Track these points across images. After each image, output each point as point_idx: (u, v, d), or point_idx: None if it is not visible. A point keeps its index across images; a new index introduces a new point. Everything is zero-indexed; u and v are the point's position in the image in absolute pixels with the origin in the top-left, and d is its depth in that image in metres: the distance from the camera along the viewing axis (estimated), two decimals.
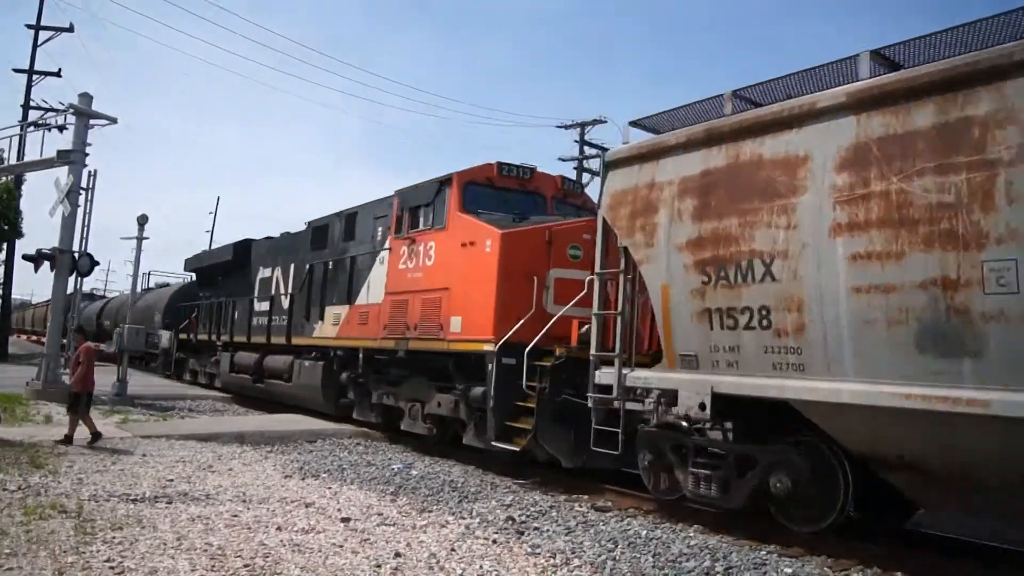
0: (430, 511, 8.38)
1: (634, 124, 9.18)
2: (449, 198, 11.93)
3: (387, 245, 13.84)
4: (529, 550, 6.93)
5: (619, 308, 8.69)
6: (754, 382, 7.22)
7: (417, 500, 8.91)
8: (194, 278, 26.31)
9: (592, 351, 8.99)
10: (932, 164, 6.02)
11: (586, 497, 9.43)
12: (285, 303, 17.91)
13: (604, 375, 8.80)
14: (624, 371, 8.50)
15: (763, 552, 6.95)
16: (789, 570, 6.45)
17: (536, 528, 7.77)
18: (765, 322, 7.09)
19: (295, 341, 16.57)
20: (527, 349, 9.92)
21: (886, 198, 6.28)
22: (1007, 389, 5.51)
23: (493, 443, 10.36)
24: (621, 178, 8.88)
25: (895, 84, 6.49)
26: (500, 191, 12.12)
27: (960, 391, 5.74)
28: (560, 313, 10.16)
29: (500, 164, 12.08)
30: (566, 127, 35.03)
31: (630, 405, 8.55)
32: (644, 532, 7.63)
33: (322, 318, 15.56)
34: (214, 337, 21.36)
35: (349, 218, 15.80)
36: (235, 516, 7.50)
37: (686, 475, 8.12)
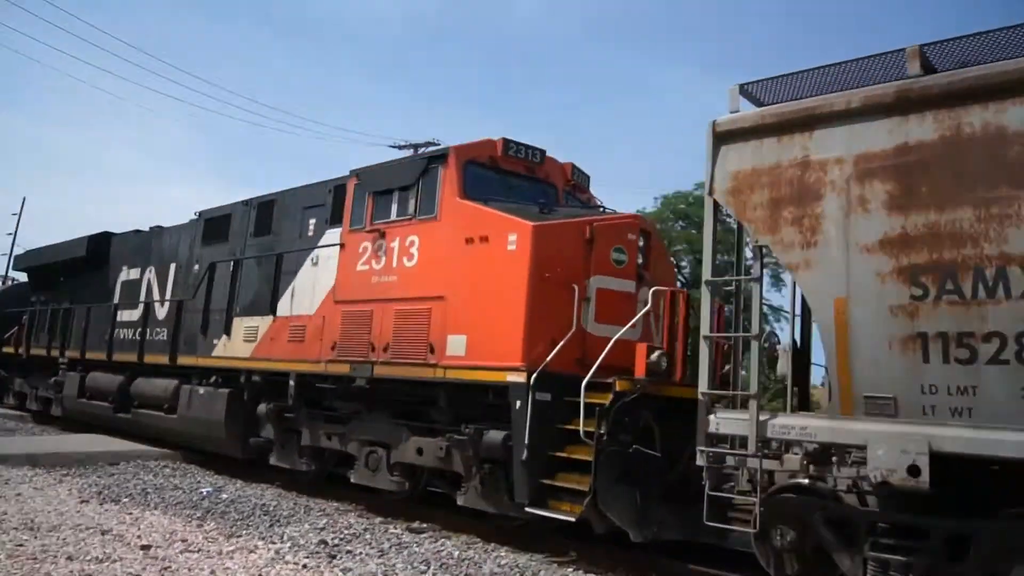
0: (239, 536, 7.99)
1: (745, 93, 6.87)
2: (442, 180, 9.03)
3: (326, 241, 10.67)
4: (340, 574, 6.85)
5: (754, 329, 6.26)
6: (1008, 439, 5.02)
7: (226, 525, 8.50)
8: (27, 279, 21.00)
9: (702, 388, 6.48)
10: None
11: (402, 520, 9.13)
12: (163, 312, 13.98)
13: (726, 422, 6.32)
14: (762, 417, 6.07)
15: (569, 569, 7.37)
16: None
17: (349, 551, 7.63)
18: None
19: (184, 361, 12.73)
20: (585, 381, 7.26)
21: None
22: None
23: (528, 508, 7.54)
24: (748, 153, 6.49)
25: None
26: (505, 175, 9.39)
27: None
28: (618, 335, 7.58)
29: (506, 141, 9.36)
30: (399, 147, 32.76)
31: (766, 464, 6.14)
32: (457, 553, 7.72)
33: (228, 332, 11.91)
34: (56, 352, 16.66)
35: (263, 207, 12.37)
36: (19, 546, 6.85)
37: (855, 561, 5.79)
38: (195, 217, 14.06)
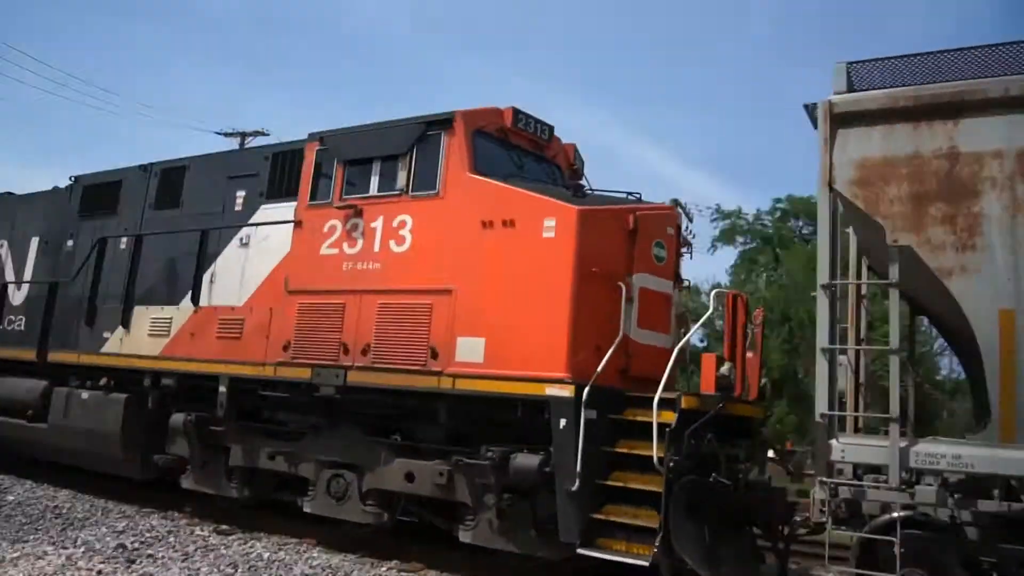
0: (25, 541, 7.52)
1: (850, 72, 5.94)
2: (447, 150, 7.44)
3: (262, 217, 8.76)
4: None
5: (893, 342, 5.30)
6: None
7: (11, 530, 7.98)
8: None
9: (822, 409, 5.45)
10: None
11: (210, 521, 8.68)
12: (20, 296, 11.16)
13: (855, 449, 5.33)
14: (902, 443, 5.12)
15: (383, 569, 7.21)
16: None
17: (150, 555, 7.28)
18: None
19: (59, 358, 10.07)
20: (657, 397, 6.04)
21: None
22: None
23: (581, 550, 6.16)
24: (876, 140, 5.59)
25: None
26: (512, 151, 7.94)
27: None
28: (682, 342, 6.43)
29: (516, 111, 7.91)
30: (226, 135, 30.29)
31: (888, 494, 5.21)
32: (267, 555, 7.47)
33: (125, 324, 9.49)
34: None
35: (169, 175, 10.10)
36: None
37: None
38: (70, 183, 11.35)
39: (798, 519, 6.46)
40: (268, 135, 28.52)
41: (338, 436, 7.86)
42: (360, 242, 7.77)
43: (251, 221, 9.04)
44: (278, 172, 8.98)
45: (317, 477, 7.85)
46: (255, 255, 8.86)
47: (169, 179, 10.12)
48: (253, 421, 8.50)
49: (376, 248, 7.64)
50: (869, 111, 5.65)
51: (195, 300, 8.93)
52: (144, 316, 9.36)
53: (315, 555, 7.56)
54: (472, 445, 7.09)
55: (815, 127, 7.47)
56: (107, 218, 10.46)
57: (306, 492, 8.00)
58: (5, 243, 11.83)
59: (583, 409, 6.21)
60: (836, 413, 5.52)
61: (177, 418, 8.69)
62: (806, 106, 7.27)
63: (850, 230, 6.95)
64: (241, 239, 9.04)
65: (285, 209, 8.67)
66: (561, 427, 6.29)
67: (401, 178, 7.64)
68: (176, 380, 8.85)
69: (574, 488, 6.13)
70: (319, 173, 8.30)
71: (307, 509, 7.88)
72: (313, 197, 8.25)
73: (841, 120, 5.73)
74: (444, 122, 7.54)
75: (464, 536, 6.93)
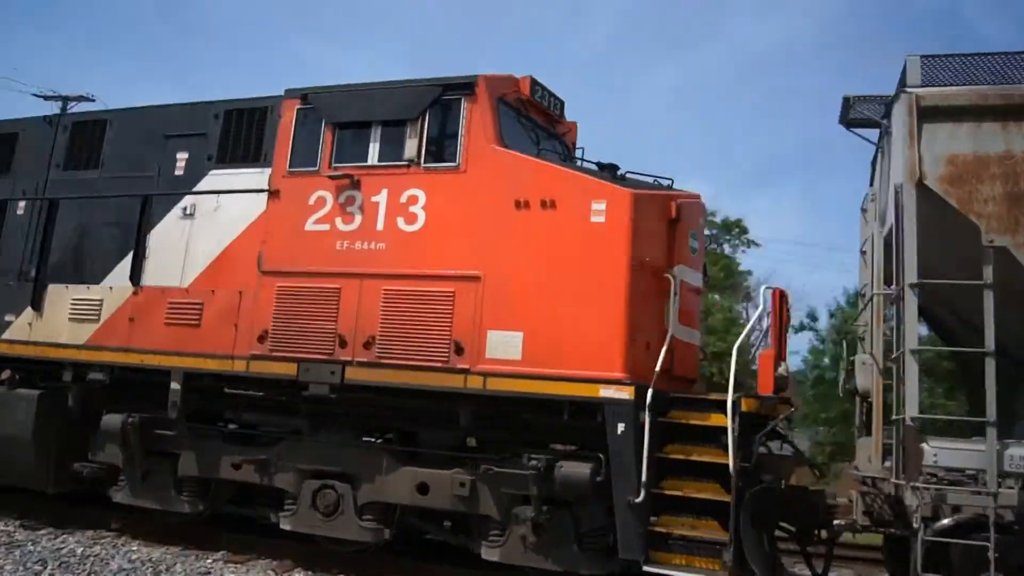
0: None
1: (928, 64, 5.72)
2: (469, 118, 6.54)
3: (213, 184, 7.52)
4: None
5: (988, 345, 5.09)
6: None
7: None
8: None
9: (912, 412, 5.16)
10: None
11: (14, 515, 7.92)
12: None
13: (948, 453, 5.10)
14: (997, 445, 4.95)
15: (209, 560, 6.89)
16: None
17: None
18: None
19: None
20: (730, 399, 5.56)
21: None
22: None
23: (648, 567, 5.56)
24: (964, 137, 5.38)
25: None
26: (528, 123, 7.16)
27: None
28: (740, 340, 5.99)
29: (534, 81, 7.12)
30: (45, 98, 27.28)
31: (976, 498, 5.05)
32: (80, 550, 7.01)
33: (35, 305, 7.78)
34: None
35: (84, 128, 8.47)
36: None
37: None
38: None
39: (842, 522, 6.26)
40: (93, 100, 25.50)
41: (323, 441, 6.80)
42: (358, 218, 6.71)
43: (197, 188, 7.69)
44: (232, 133, 7.68)
45: (299, 489, 6.76)
46: (204, 228, 7.54)
47: (84, 135, 8.45)
48: (208, 424, 7.23)
49: (379, 226, 6.62)
50: (957, 107, 5.44)
51: (135, 279, 7.46)
52: (62, 296, 7.72)
53: (134, 548, 7.11)
54: (491, 451, 6.35)
55: (842, 119, 7.33)
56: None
57: (279, 506, 6.91)
58: None
59: (646, 413, 5.65)
60: (928, 416, 5.31)
61: (112, 420, 7.21)
62: (846, 99, 7.07)
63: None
64: (185, 209, 7.67)
65: (247, 176, 7.43)
66: (619, 432, 5.66)
67: (410, 147, 6.66)
68: (109, 374, 7.36)
69: (638, 499, 5.55)
70: (301, 136, 7.11)
71: (286, 526, 6.75)
72: (295, 163, 7.07)
73: (927, 114, 5.49)
74: (465, 86, 6.62)
75: (490, 554, 6.15)
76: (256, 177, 7.46)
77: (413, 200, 6.59)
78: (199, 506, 7.18)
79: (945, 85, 5.79)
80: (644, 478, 5.55)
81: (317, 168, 6.95)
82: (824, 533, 6.39)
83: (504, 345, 6.08)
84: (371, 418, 6.81)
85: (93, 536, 7.39)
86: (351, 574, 6.70)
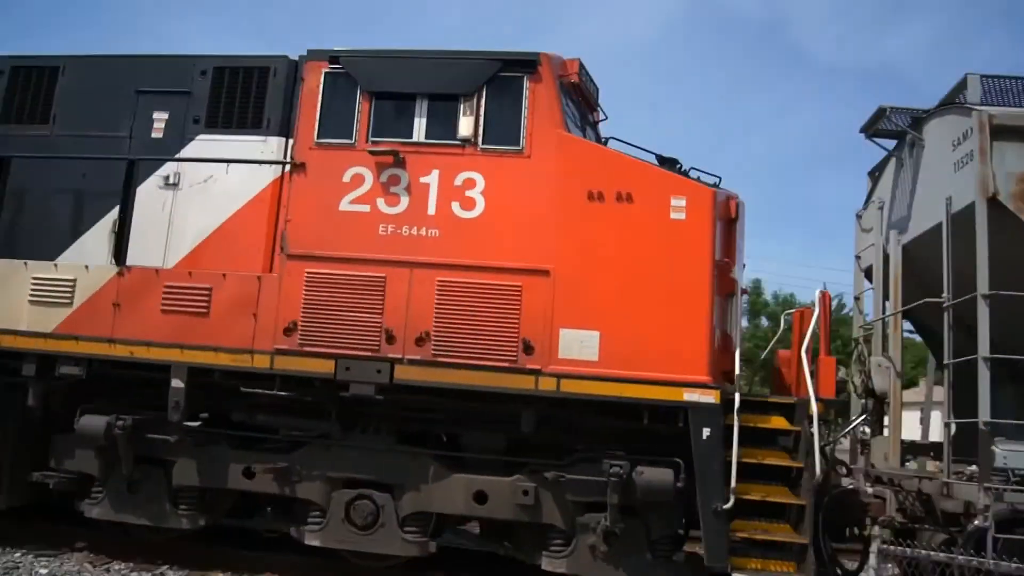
0: None
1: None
2: (532, 99, 6.04)
3: (203, 151, 6.61)
4: None
5: None
6: None
7: None
8: None
9: (984, 417, 5.31)
10: None
11: None
12: None
13: (1016, 456, 5.32)
14: None
15: (17, 554, 6.38)
16: (44, 571, 6.08)
17: None
18: None
19: None
20: (814, 403, 5.51)
21: None
22: None
23: (737, 574, 5.39)
24: None
25: None
26: (574, 107, 6.73)
27: None
28: (806, 344, 5.93)
29: (581, 65, 6.69)
30: None
31: None
32: (43, 572, 6.17)
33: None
34: None
35: (31, 75, 7.20)
36: None
37: None
38: None
39: (882, 519, 6.43)
40: None
41: (357, 446, 6.12)
42: (404, 200, 6.04)
43: (182, 155, 6.69)
44: (225, 94, 6.74)
45: (327, 499, 6.04)
46: (192, 201, 6.58)
47: (28, 82, 7.10)
48: (212, 427, 6.32)
49: (431, 210, 5.99)
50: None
51: (120, 257, 6.34)
52: (18, 275, 6.42)
53: (119, 568, 6.22)
54: (549, 456, 5.98)
55: (867, 128, 7.49)
56: None
57: (297, 518, 6.17)
58: None
59: (735, 417, 5.50)
60: (1000, 421, 5.51)
61: (93, 422, 6.10)
62: (881, 109, 7.19)
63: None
64: (167, 177, 6.66)
65: (244, 144, 6.57)
66: (704, 437, 5.47)
67: (465, 125, 6.06)
68: (86, 368, 6.22)
69: (728, 505, 5.39)
70: (331, 104, 6.30)
71: (313, 542, 6.02)
72: (323, 134, 6.25)
73: (997, 132, 5.66)
74: (527, 64, 6.10)
75: (555, 565, 5.77)
76: (257, 146, 6.60)
77: (470, 184, 6.01)
78: (199, 520, 6.26)
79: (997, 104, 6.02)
80: (733, 483, 5.41)
81: (353, 141, 6.18)
82: (857, 531, 6.57)
83: (579, 345, 5.69)
84: (409, 421, 6.21)
85: (54, 557, 6.35)
86: None
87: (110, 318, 6.23)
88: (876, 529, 5.90)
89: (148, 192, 6.66)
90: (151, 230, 6.53)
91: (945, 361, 5.95)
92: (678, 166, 6.43)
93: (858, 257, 8.21)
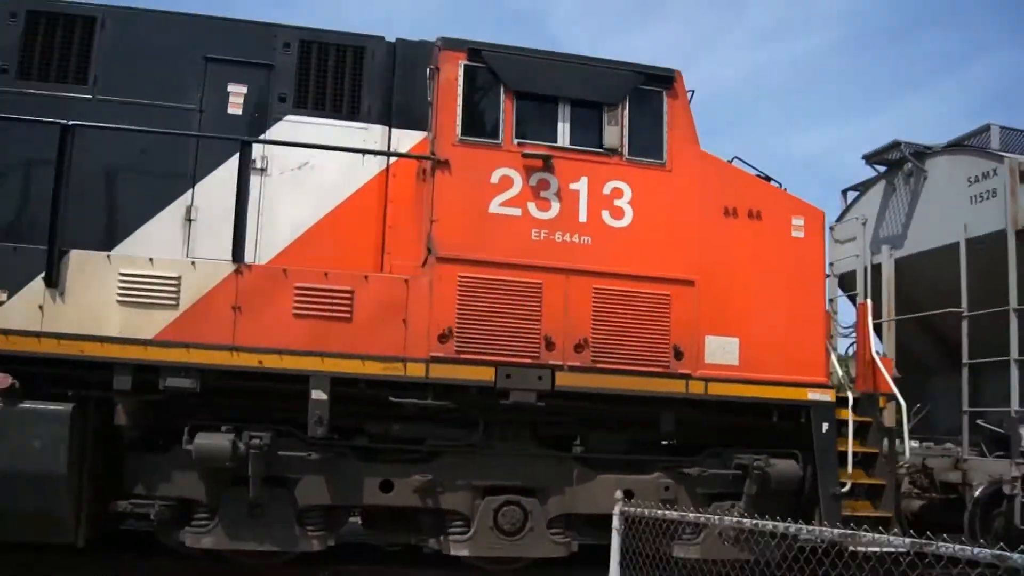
0: None
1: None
2: (671, 115, 6.25)
3: (301, 135, 6.08)
4: None
5: None
6: None
7: None
8: None
9: (1015, 407, 6.67)
10: None
11: None
12: None
13: None
14: None
15: None
16: None
17: None
18: None
19: None
20: (900, 399, 6.49)
21: None
22: None
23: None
24: None
25: None
26: None
27: None
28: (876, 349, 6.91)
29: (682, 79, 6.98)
30: None
31: None
32: None
33: (49, 279, 5.14)
34: None
35: (58, 23, 5.99)
36: None
37: None
38: None
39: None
40: None
41: (499, 453, 6.00)
42: (555, 205, 5.98)
43: (272, 136, 5.98)
44: (315, 72, 6.18)
45: (472, 508, 5.87)
46: (284, 189, 5.96)
47: (53, 33, 5.81)
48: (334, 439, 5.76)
49: (582, 217, 6.01)
50: None
51: (238, 254, 5.48)
52: (102, 269, 5.27)
53: None
54: (671, 452, 6.41)
55: (872, 156, 8.68)
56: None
57: (429, 531, 5.94)
58: None
59: (850, 412, 6.32)
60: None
61: (214, 441, 5.27)
62: (896, 142, 8.37)
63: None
64: (252, 161, 5.89)
65: (343, 131, 6.12)
66: (824, 431, 6.24)
67: (611, 135, 6.12)
68: (199, 380, 5.32)
69: (845, 489, 6.22)
70: (472, 99, 5.98)
71: (461, 552, 5.83)
72: (467, 131, 5.91)
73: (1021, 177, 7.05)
74: (665, 79, 6.31)
75: (688, 551, 6.21)
76: (358, 133, 6.17)
77: (618, 193, 6.11)
78: (329, 541, 5.72)
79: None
80: (851, 470, 6.26)
81: (500, 142, 5.96)
82: None
83: (722, 350, 6.14)
84: (542, 424, 6.22)
85: None
86: None
87: (230, 323, 5.41)
88: None
89: (226, 176, 5.84)
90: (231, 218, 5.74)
91: (964, 361, 7.33)
92: (773, 182, 7.10)
93: (831, 264, 9.51)
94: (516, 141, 6.00)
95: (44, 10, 5.85)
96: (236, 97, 6.10)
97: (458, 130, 5.94)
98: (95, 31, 5.90)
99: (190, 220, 5.84)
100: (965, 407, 7.31)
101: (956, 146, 8.00)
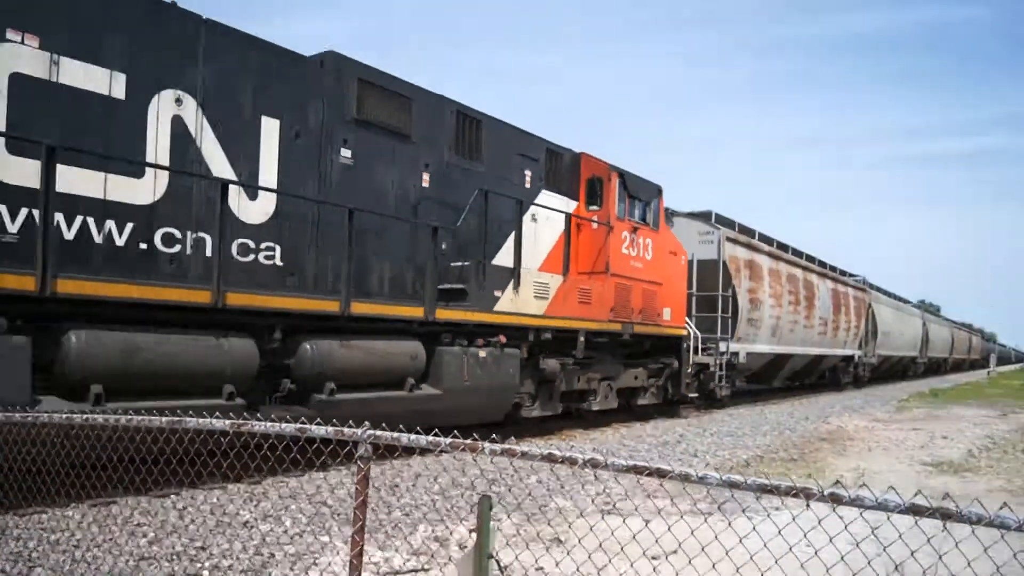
0: None
1: None
2: (659, 207, 13.36)
3: (546, 201, 11.59)
4: None
5: None
6: None
7: None
8: None
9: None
10: None
11: None
12: (256, 210, 7.62)
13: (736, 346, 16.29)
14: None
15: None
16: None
17: None
18: None
19: (447, 315, 8.48)
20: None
21: None
22: None
23: None
24: (739, 246, 16.46)
25: None
26: None
27: None
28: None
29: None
30: None
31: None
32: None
33: (516, 285, 9.58)
34: None
35: (466, 120, 10.07)
36: None
37: None
38: (317, 56, 8.10)
39: None
40: None
41: (603, 361, 12.49)
42: (634, 249, 12.61)
43: (536, 201, 11.24)
44: (552, 168, 11.52)
45: (600, 385, 12.28)
46: (539, 232, 11.38)
47: (466, 124, 9.84)
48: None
49: (639, 254, 12.78)
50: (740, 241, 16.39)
51: (565, 270, 10.65)
52: (528, 279, 9.88)
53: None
54: (639, 357, 13.91)
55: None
56: (397, 140, 8.79)
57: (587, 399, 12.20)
58: (191, 102, 6.70)
59: (691, 339, 14.66)
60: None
61: (552, 363, 10.55)
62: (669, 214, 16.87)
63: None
64: (533, 215, 11.13)
65: (563, 201, 11.70)
66: (684, 347, 14.49)
67: (649, 216, 12.95)
68: (553, 334, 10.49)
69: (691, 370, 14.59)
70: (620, 196, 12.04)
71: (596, 407, 12.20)
72: (619, 214, 12.01)
73: (726, 238, 16.22)
74: (660, 191, 13.35)
75: (642, 401, 13.76)
76: (569, 203, 11.75)
77: (647, 244, 13.08)
78: (558, 408, 11.45)
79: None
80: (691, 362, 14.68)
81: (623, 218, 12.24)
82: None
83: (667, 314, 13.79)
84: (612, 349, 12.92)
85: None
86: None
87: (559, 306, 10.68)
88: None
89: (526, 222, 10.86)
90: (529, 248, 10.88)
91: (693, 313, 16.41)
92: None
93: None
94: (628, 218, 12.39)
95: (461, 110, 9.64)
96: (527, 178, 10.89)
97: (615, 211, 12.05)
98: (483, 130, 9.97)
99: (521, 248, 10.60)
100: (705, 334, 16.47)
101: (693, 214, 17.02)
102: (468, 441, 2.94)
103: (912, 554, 2.68)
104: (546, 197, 11.14)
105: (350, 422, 3.17)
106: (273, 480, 6.76)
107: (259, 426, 3.34)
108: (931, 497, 2.34)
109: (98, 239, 5.98)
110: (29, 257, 5.46)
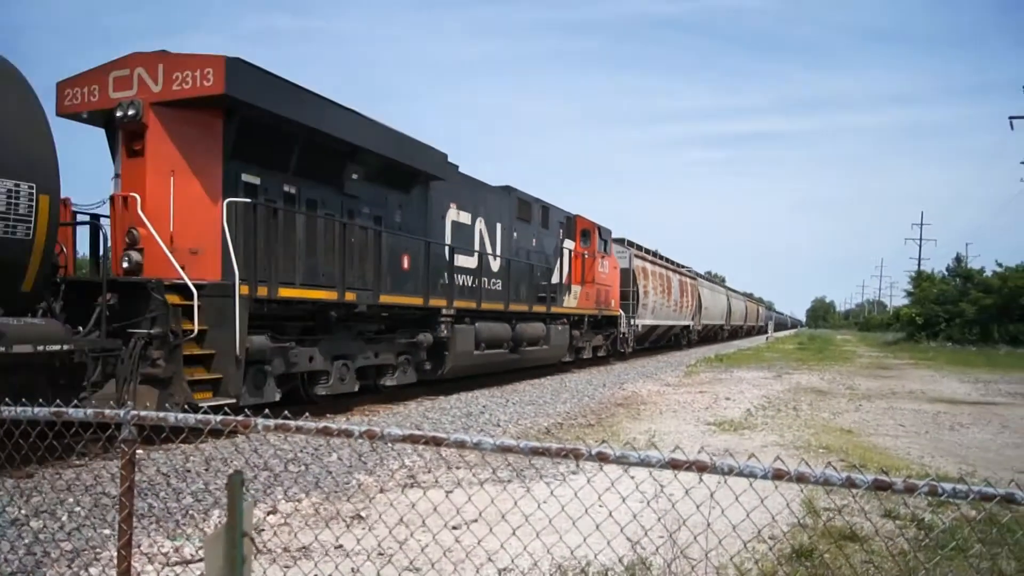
0: None
1: None
2: (610, 242, 22.89)
3: (566, 246, 20.72)
4: None
5: None
6: None
7: None
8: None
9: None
10: None
11: None
12: (496, 265, 16.00)
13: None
14: None
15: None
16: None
17: None
18: None
19: (541, 309, 17.38)
20: None
21: None
22: None
23: None
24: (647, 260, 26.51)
25: None
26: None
27: None
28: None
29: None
30: None
31: None
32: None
33: (570, 292, 18.72)
34: (353, 294, 10.41)
35: (520, 202, 18.91)
36: None
37: None
38: (506, 186, 16.76)
39: None
40: None
41: (586, 330, 21.91)
42: (602, 271, 22.00)
43: (563, 245, 20.36)
44: (569, 229, 20.66)
45: (588, 344, 21.69)
46: (564, 262, 20.54)
47: (545, 211, 18.81)
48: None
49: (599, 270, 22.21)
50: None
51: (581, 281, 19.91)
52: (571, 291, 19.01)
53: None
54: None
55: None
56: (526, 224, 17.63)
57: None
58: (481, 221, 15.23)
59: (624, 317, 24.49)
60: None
61: (576, 333, 19.78)
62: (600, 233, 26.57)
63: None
64: (558, 250, 20.29)
65: (571, 243, 20.92)
66: (620, 322, 24.28)
67: (601, 247, 22.41)
68: (576, 317, 19.71)
69: (625, 330, 24.39)
70: (597, 239, 21.34)
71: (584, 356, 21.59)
72: (597, 248, 21.32)
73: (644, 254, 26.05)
74: (609, 231, 22.88)
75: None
76: (572, 244, 21.00)
77: (603, 264, 22.62)
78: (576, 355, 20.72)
79: None
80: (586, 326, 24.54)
81: (598, 252, 21.60)
82: None
83: (613, 303, 23.46)
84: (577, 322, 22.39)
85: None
86: None
87: (584, 301, 19.90)
88: None
89: (564, 257, 19.94)
90: (564, 270, 19.98)
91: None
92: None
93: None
94: (599, 251, 21.76)
95: (521, 198, 18.49)
96: (561, 235, 19.87)
97: (596, 247, 21.39)
98: (549, 211, 18.84)
99: (581, 276, 19.56)
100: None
101: (616, 240, 26.66)
102: (240, 418, 2.77)
103: (698, 507, 3.03)
104: (567, 243, 20.24)
105: (111, 402, 3.82)
106: (48, 472, 6.15)
107: (7, 411, 3.01)
108: (713, 454, 2.44)
109: (459, 282, 14.35)
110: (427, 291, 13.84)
